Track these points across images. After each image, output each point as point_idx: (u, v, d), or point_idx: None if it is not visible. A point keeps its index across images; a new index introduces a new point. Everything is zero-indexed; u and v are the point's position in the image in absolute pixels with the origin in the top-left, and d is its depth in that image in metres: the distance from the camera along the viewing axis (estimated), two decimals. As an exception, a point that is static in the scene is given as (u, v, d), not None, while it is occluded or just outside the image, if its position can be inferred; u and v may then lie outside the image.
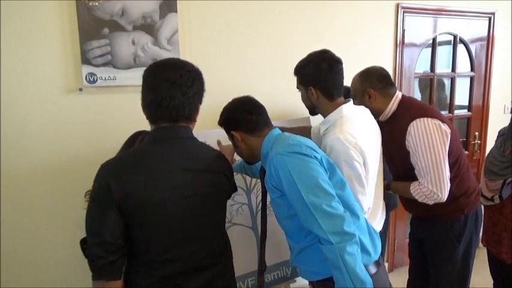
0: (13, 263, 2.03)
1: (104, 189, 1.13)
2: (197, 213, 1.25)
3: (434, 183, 1.74)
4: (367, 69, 1.94)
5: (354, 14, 2.74)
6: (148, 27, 2.13)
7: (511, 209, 2.03)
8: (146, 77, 1.24)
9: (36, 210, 2.05)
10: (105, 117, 2.11)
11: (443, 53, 3.32)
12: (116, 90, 2.13)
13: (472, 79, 3.43)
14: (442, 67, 3.33)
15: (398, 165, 1.95)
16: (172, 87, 1.18)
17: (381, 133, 1.79)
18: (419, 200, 1.80)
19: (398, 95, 1.90)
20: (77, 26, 1.98)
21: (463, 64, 3.39)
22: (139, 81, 2.11)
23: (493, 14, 3.35)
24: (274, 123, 2.32)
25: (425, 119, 1.76)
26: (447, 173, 1.76)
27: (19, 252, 2.04)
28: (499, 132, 2.19)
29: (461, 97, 3.45)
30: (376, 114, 1.85)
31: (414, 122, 1.76)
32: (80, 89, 2.04)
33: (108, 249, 1.11)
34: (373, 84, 1.88)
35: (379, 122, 1.83)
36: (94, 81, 2.05)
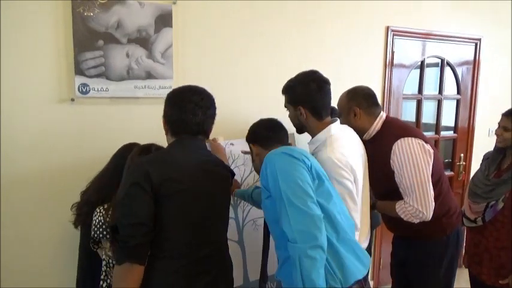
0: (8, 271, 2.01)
1: (144, 176, 1.27)
2: (216, 205, 1.46)
3: (420, 202, 1.75)
4: (354, 88, 1.98)
5: (345, 35, 2.81)
6: (143, 41, 2.16)
7: (492, 231, 2.07)
8: (173, 99, 1.47)
9: (27, 217, 2.04)
10: (96, 128, 2.11)
11: (431, 75, 3.41)
12: (108, 102, 2.14)
13: (458, 102, 3.51)
14: (430, 88, 3.41)
15: (381, 185, 1.96)
16: (195, 107, 1.42)
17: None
18: (405, 218, 1.80)
19: (383, 115, 1.94)
20: (71, 37, 2.00)
21: (450, 86, 3.48)
22: (132, 94, 2.17)
23: (479, 39, 3.46)
24: None
25: (409, 138, 1.79)
26: (431, 192, 1.77)
27: (10, 260, 2.02)
28: (484, 156, 2.26)
29: (448, 119, 3.53)
30: (360, 133, 1.88)
31: (399, 141, 1.79)
32: (72, 99, 2.05)
33: (141, 230, 1.25)
34: (359, 103, 1.91)
35: (362, 141, 1.87)
36: (87, 92, 2.06)
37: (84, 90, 2.06)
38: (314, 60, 2.66)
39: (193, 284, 1.34)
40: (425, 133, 3.28)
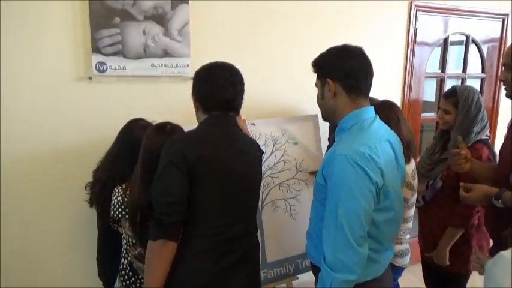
0: (13, 254, 2.05)
1: (179, 155, 1.29)
2: (249, 185, 1.46)
3: None
4: None
5: (367, 12, 2.72)
6: (159, 18, 2.12)
7: (437, 211, 2.03)
8: (203, 75, 1.45)
9: (41, 195, 2.07)
10: (114, 106, 2.10)
11: (454, 53, 3.29)
12: (125, 80, 2.12)
13: (482, 80, 3.40)
14: (452, 67, 3.30)
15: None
16: (225, 83, 1.40)
17: None
18: None
19: None
20: (88, 15, 1.97)
21: (474, 65, 3.36)
22: (150, 72, 2.14)
23: (507, 15, 3.31)
24: (277, 119, 2.32)
25: None
26: None
27: (19, 242, 2.06)
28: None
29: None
30: None
31: None
32: (90, 78, 2.04)
33: (175, 208, 1.27)
34: None
35: None
36: (104, 71, 2.04)
37: (101, 68, 2.03)
38: (336, 38, 2.57)
39: (221, 262, 1.35)
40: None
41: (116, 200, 1.54)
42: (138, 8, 2.06)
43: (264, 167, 2.27)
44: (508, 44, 3.36)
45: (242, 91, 1.47)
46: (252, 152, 1.49)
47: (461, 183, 1.68)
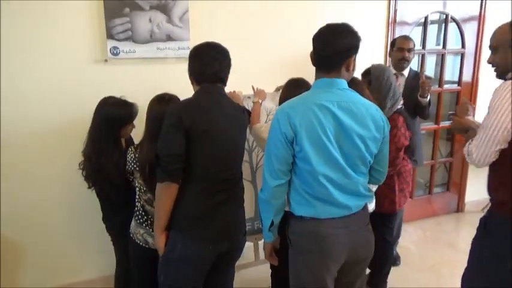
0: (12, 222, 2.43)
1: (178, 119, 1.60)
2: (234, 141, 1.77)
3: (476, 144, 1.66)
4: None
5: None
6: (163, 7, 2.47)
7: None
8: (193, 54, 1.75)
9: (55, 165, 2.47)
10: (126, 84, 2.47)
11: (435, 32, 3.56)
12: (135, 62, 2.49)
13: (462, 55, 3.67)
14: (433, 44, 3.58)
15: None
16: (212, 59, 1.70)
17: None
18: (464, 151, 1.74)
19: None
20: (102, 6, 2.34)
21: (454, 41, 3.63)
22: (155, 54, 2.50)
23: (485, -6, 3.56)
24: (270, 93, 2.60)
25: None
26: (494, 144, 1.62)
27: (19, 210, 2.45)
28: None
29: (452, 73, 3.71)
30: (507, 70, 1.72)
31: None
32: (106, 60, 2.42)
33: (177, 158, 1.61)
34: None
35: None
36: (117, 54, 2.42)
37: (115, 52, 2.41)
38: (319, 19, 2.88)
39: (214, 198, 1.70)
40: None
41: (129, 157, 1.92)
42: (144, -1, 2.42)
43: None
44: (487, 21, 3.62)
45: (228, 65, 1.76)
46: (236, 115, 1.80)
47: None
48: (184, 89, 1.88)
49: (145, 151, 1.83)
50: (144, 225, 1.94)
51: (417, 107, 2.79)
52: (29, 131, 2.37)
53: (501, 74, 1.76)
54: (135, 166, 1.90)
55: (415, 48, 2.92)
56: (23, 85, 2.31)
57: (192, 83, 1.80)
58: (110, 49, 2.40)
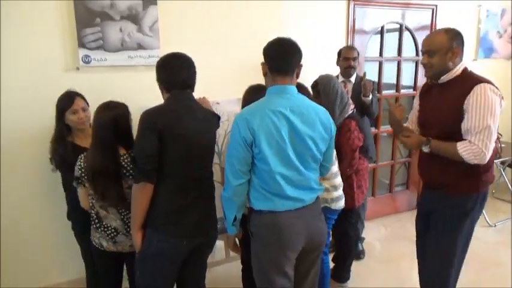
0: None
1: (152, 123, 1.73)
2: (204, 142, 1.88)
3: (484, 143, 1.83)
4: (452, 28, 1.98)
5: (309, 6, 3.23)
6: (133, 17, 2.58)
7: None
8: (162, 65, 1.86)
9: (31, 174, 2.53)
10: (97, 91, 2.52)
11: (392, 40, 3.82)
12: (106, 70, 2.58)
13: (417, 63, 3.95)
14: (392, 52, 3.84)
15: (439, 127, 1.99)
16: (179, 69, 1.83)
17: (429, 94, 2.08)
18: (466, 157, 1.86)
19: (465, 63, 1.99)
20: (74, 16, 2.42)
21: (410, 49, 3.91)
22: (127, 62, 2.61)
23: (436, 6, 3.86)
24: (237, 98, 2.75)
25: (488, 85, 1.86)
26: (494, 137, 1.89)
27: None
28: None
29: (408, 79, 3.99)
30: (440, 74, 1.97)
31: (479, 85, 1.85)
32: (77, 68, 2.49)
33: (152, 159, 1.73)
34: (460, 43, 1.94)
35: (429, 84, 2.09)
36: (89, 62, 2.50)
37: (86, 60, 2.49)
38: (282, 29, 3.08)
39: (186, 197, 1.81)
40: (386, 92, 3.77)
41: (78, 163, 1.96)
42: (115, 9, 2.52)
43: (227, 138, 2.75)
44: (438, 30, 3.92)
45: (194, 73, 1.89)
46: (205, 118, 1.91)
47: (406, 126, 2.17)
48: (154, 95, 1.99)
49: (90, 160, 1.90)
50: (99, 230, 1.98)
51: (363, 107, 3.01)
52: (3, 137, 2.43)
53: (433, 76, 2.00)
54: (83, 174, 1.94)
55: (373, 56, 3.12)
56: (-5, 92, 2.36)
57: (162, 91, 1.90)
58: (82, 57, 2.48)
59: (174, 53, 1.89)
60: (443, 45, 1.92)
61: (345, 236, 2.75)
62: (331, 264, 2.77)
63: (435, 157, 1.99)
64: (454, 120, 1.92)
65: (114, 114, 1.89)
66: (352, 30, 3.45)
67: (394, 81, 3.92)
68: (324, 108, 1.83)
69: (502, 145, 3.90)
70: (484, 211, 3.75)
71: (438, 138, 1.97)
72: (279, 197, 1.72)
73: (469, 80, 1.91)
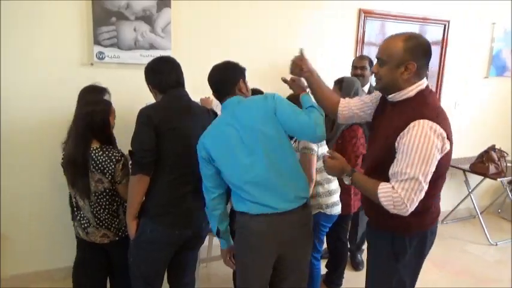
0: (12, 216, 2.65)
1: (147, 118, 1.82)
2: (196, 140, 1.86)
3: (408, 195, 1.48)
4: (414, 35, 1.60)
5: (322, 16, 3.32)
6: (147, 18, 2.71)
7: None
8: (152, 68, 1.96)
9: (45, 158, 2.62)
10: (110, 86, 2.66)
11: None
12: (119, 67, 2.71)
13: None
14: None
15: (374, 154, 1.71)
16: (170, 70, 1.95)
17: (381, 113, 1.71)
18: (384, 203, 1.53)
19: (424, 83, 1.59)
20: (91, 15, 2.57)
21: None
22: (138, 60, 2.72)
23: (448, 21, 3.89)
24: None
25: (430, 123, 1.47)
26: (424, 189, 1.51)
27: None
28: None
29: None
30: (389, 90, 1.61)
31: (417, 122, 1.48)
32: (91, 64, 2.63)
33: (149, 152, 1.81)
34: (418, 59, 1.54)
35: (383, 100, 1.72)
36: (102, 58, 2.64)
37: (100, 57, 2.63)
38: (298, 40, 3.18)
39: (179, 190, 1.91)
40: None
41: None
42: (130, 10, 2.65)
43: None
44: (449, 46, 3.95)
45: (181, 72, 1.98)
46: (199, 114, 2.00)
47: (330, 150, 1.85)
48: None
49: (66, 148, 2.02)
50: (77, 218, 2.07)
51: None
52: (19, 128, 2.58)
53: (381, 90, 1.67)
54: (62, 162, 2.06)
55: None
56: (16, 85, 2.53)
57: (155, 93, 1.99)
58: (96, 54, 2.62)
59: (161, 57, 2.03)
60: (396, 56, 1.54)
61: (338, 240, 2.80)
62: (325, 270, 2.82)
63: None
64: (386, 157, 1.57)
65: (92, 109, 1.96)
66: (361, 41, 3.51)
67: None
68: (261, 95, 1.90)
69: (508, 164, 3.90)
70: (485, 229, 3.79)
71: (370, 170, 1.69)
72: (249, 201, 1.77)
73: (411, 111, 1.52)
